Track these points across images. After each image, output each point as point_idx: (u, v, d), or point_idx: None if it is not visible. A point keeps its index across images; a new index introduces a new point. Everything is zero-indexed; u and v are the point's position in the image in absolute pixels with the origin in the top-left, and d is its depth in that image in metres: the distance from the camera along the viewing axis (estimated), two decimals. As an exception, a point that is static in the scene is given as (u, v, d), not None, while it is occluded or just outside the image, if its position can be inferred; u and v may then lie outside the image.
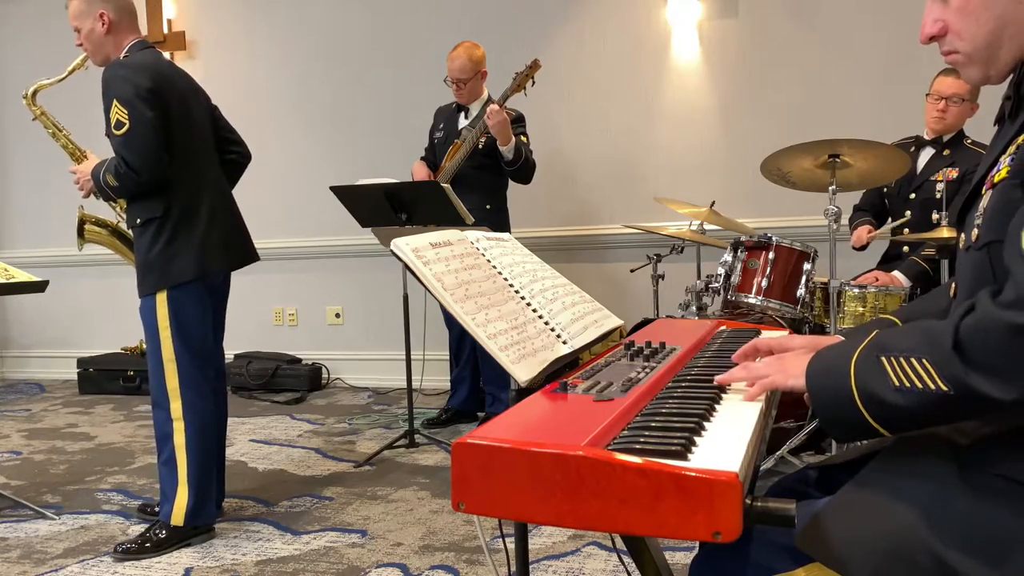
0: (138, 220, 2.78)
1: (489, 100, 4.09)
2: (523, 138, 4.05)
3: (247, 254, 3.00)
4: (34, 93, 3.08)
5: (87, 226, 3.17)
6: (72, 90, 3.69)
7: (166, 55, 4.43)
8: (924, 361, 1.03)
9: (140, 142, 2.64)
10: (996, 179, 1.13)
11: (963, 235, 1.22)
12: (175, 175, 2.74)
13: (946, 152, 3.51)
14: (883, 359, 1.06)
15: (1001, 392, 0.97)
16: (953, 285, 1.27)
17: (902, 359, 1.05)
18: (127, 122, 2.63)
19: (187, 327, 2.77)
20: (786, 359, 1.23)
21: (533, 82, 3.91)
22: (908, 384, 1.03)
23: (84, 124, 3.73)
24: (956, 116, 3.47)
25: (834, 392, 1.10)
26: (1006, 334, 0.97)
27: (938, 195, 3.43)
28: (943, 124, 3.49)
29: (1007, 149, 1.15)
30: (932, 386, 1.02)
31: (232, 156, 3.08)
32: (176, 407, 2.76)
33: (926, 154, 3.57)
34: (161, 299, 2.74)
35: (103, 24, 2.76)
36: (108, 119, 2.68)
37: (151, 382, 2.81)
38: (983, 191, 1.17)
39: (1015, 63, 1.18)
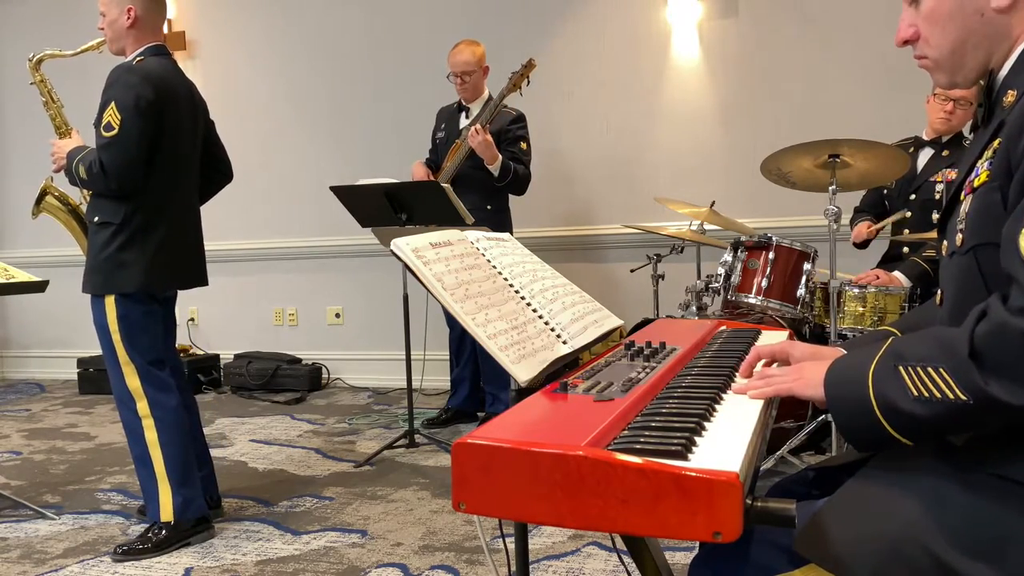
0: (96, 219, 2.77)
1: (489, 99, 4.10)
2: (522, 144, 4.06)
3: (196, 277, 2.97)
4: (39, 60, 3.06)
5: (48, 198, 3.15)
6: (84, 71, 3.69)
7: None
8: (941, 371, 1.02)
9: (122, 152, 2.64)
10: (976, 184, 1.15)
11: (946, 242, 1.23)
12: (146, 187, 2.74)
13: (945, 153, 3.51)
14: (900, 368, 1.06)
15: (1020, 399, 0.97)
16: (939, 292, 1.27)
17: (919, 368, 1.04)
18: (117, 128, 2.63)
19: (135, 334, 2.76)
20: (804, 368, 1.23)
21: (528, 82, 3.92)
22: (927, 394, 1.03)
23: (89, 104, 3.70)
24: (961, 119, 3.48)
25: (853, 403, 1.10)
26: (1022, 341, 0.97)
27: (937, 196, 3.43)
28: (948, 126, 3.49)
29: (983, 154, 1.16)
30: (951, 395, 1.01)
31: (215, 175, 3.08)
32: (143, 406, 2.76)
33: (925, 155, 3.57)
34: (109, 303, 2.74)
35: (128, 18, 2.77)
36: (100, 116, 2.68)
37: (112, 381, 2.80)
38: (962, 196, 1.18)
39: (981, 70, 1.22)
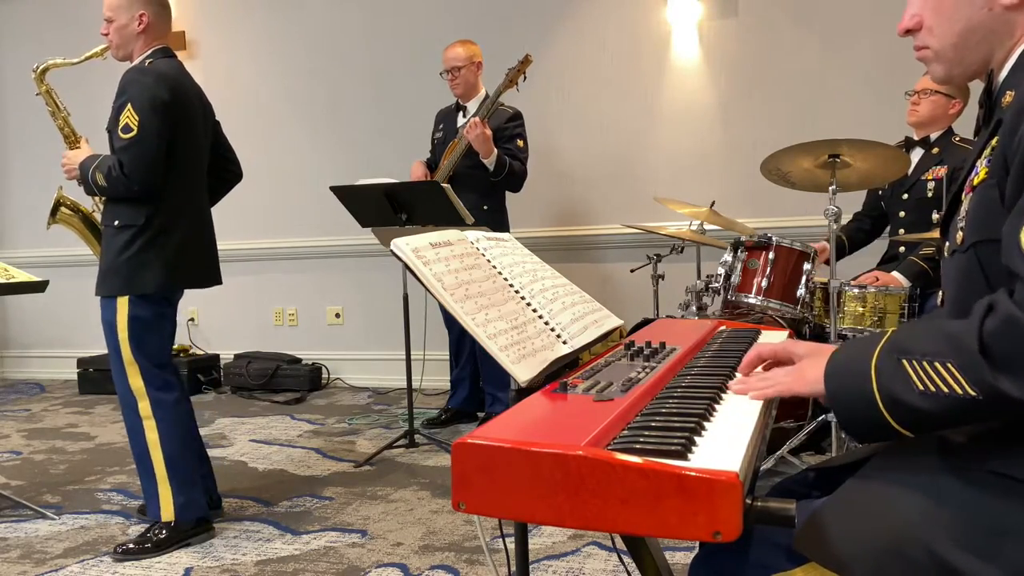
0: (116, 222, 2.76)
1: (487, 97, 4.09)
2: (519, 141, 4.06)
3: (211, 276, 2.98)
4: (44, 70, 3.05)
5: (62, 208, 3.16)
6: (83, 77, 3.68)
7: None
8: (949, 366, 1.02)
9: (143, 152, 2.65)
10: (975, 182, 1.16)
11: (947, 242, 1.23)
12: (165, 188, 2.74)
13: (935, 151, 3.50)
14: (904, 362, 1.05)
15: None
16: (941, 293, 1.27)
17: (925, 363, 1.03)
18: (135, 129, 2.64)
19: (144, 336, 2.76)
20: (804, 366, 1.22)
21: (525, 77, 3.91)
22: (933, 389, 1.02)
23: (89, 110, 3.71)
24: (928, 109, 3.46)
25: (855, 396, 1.09)
26: None
27: (929, 194, 3.42)
28: (915, 117, 3.49)
29: (982, 153, 1.17)
30: (959, 391, 1.01)
31: (225, 174, 3.09)
32: (144, 406, 2.77)
33: (916, 154, 3.56)
34: (122, 304, 2.74)
35: (140, 24, 2.78)
36: (116, 119, 2.68)
37: (115, 381, 2.81)
38: (963, 196, 1.19)
39: (981, 67, 1.22)
